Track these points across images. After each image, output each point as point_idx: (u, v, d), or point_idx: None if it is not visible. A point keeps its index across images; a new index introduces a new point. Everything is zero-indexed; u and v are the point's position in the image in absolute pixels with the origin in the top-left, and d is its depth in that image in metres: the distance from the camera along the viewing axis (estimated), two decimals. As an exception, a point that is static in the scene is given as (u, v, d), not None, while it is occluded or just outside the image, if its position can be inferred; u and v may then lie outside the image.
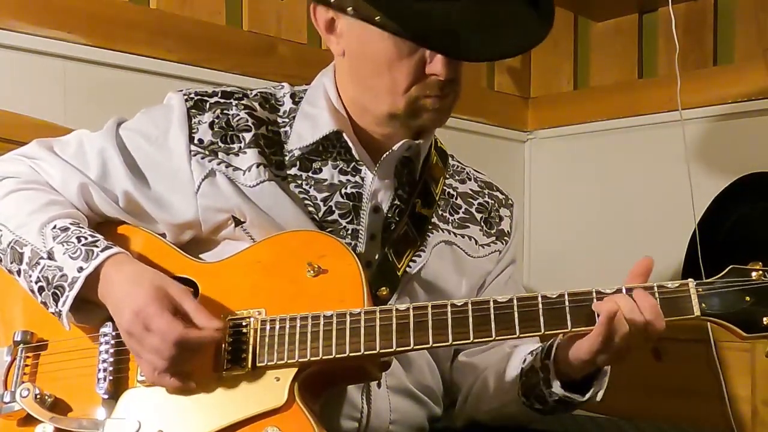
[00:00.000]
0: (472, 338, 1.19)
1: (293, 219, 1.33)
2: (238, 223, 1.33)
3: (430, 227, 1.43)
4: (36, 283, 1.25)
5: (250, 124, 1.35)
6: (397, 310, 1.21)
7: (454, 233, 1.46)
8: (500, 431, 1.41)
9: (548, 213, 2.85)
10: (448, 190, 1.49)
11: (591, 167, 2.76)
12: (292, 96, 1.42)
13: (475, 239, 1.48)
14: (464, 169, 1.56)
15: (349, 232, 1.36)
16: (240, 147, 1.34)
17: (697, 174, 2.27)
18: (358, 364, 1.24)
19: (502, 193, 1.57)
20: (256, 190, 1.33)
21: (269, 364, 1.21)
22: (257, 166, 1.33)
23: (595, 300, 1.19)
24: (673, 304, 1.18)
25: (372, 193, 1.37)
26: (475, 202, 1.51)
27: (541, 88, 2.90)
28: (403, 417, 1.41)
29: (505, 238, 1.53)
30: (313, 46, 2.32)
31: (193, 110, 1.35)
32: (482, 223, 1.50)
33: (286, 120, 1.39)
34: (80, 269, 1.22)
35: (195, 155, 1.33)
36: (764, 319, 1.16)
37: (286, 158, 1.37)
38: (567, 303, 1.19)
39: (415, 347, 1.21)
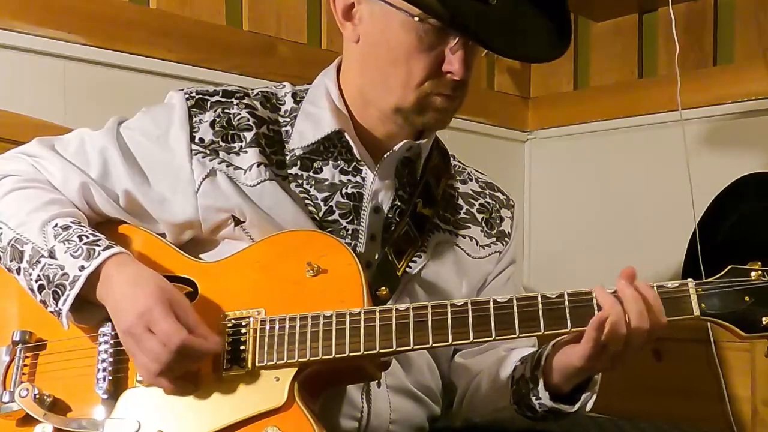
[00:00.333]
0: (471, 338, 1.19)
1: (293, 219, 1.33)
2: (238, 222, 1.33)
3: (430, 227, 1.43)
4: (36, 281, 1.25)
5: (251, 123, 1.35)
6: (396, 310, 1.21)
7: (455, 234, 1.46)
8: (500, 432, 1.42)
9: (548, 213, 2.85)
10: (449, 190, 1.49)
11: (591, 167, 2.76)
12: (294, 95, 1.42)
13: (475, 240, 1.48)
14: (465, 169, 1.56)
15: (350, 232, 1.36)
16: (241, 146, 1.34)
17: (697, 174, 2.27)
18: (358, 364, 1.24)
19: (503, 194, 1.57)
20: (256, 190, 1.33)
21: (269, 364, 1.21)
22: (258, 166, 1.33)
23: (595, 300, 1.19)
24: (673, 304, 1.18)
25: (372, 193, 1.37)
26: (476, 203, 1.51)
27: (541, 88, 2.90)
28: (403, 417, 1.41)
29: (506, 239, 1.52)
30: (313, 46, 2.32)
31: (194, 109, 1.35)
32: (483, 224, 1.50)
33: (287, 119, 1.39)
34: (81, 268, 1.22)
35: (196, 154, 1.33)
36: (764, 319, 1.16)
37: (287, 158, 1.37)
38: (567, 303, 1.19)
39: (415, 347, 1.21)
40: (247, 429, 1.19)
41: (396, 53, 1.29)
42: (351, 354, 1.20)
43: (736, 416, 2.03)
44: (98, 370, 1.25)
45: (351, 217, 1.36)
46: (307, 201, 1.35)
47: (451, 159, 1.54)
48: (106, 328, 1.27)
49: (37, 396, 1.25)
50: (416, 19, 1.25)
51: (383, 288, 1.33)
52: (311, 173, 1.37)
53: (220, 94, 1.38)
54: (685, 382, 2.11)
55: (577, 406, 1.29)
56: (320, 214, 1.35)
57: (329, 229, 1.34)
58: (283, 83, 1.46)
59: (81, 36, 1.93)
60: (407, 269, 1.38)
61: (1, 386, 1.28)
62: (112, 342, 1.26)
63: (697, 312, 1.17)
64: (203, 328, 1.19)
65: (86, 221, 1.32)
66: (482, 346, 1.46)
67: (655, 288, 1.18)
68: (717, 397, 2.05)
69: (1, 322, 1.34)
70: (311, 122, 1.37)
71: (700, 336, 2.03)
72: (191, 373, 1.21)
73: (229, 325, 1.24)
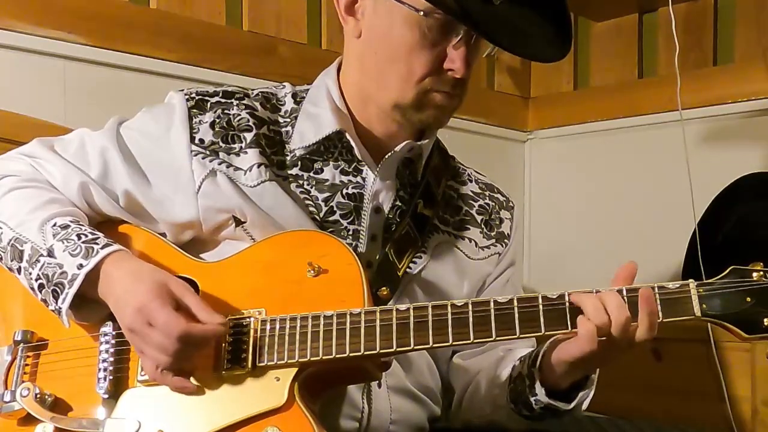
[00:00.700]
0: (472, 338, 1.19)
1: (294, 219, 1.33)
2: (238, 223, 1.33)
3: (431, 228, 1.43)
4: (36, 280, 1.25)
5: (251, 124, 1.35)
6: (397, 310, 1.21)
7: (455, 235, 1.46)
8: (499, 432, 1.42)
9: (548, 213, 2.85)
10: (449, 191, 1.49)
11: (591, 167, 2.76)
12: (294, 96, 1.42)
13: (475, 241, 1.48)
14: (465, 170, 1.56)
15: (350, 232, 1.36)
16: (241, 147, 1.34)
17: (697, 174, 2.27)
18: (358, 364, 1.24)
19: (503, 195, 1.57)
20: (257, 190, 1.33)
21: (269, 364, 1.21)
22: (258, 166, 1.33)
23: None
24: (674, 305, 1.18)
25: (373, 193, 1.37)
26: (476, 204, 1.51)
27: (541, 88, 2.90)
28: (403, 417, 1.41)
29: (505, 240, 1.52)
30: (313, 46, 2.32)
31: (195, 110, 1.35)
32: (482, 225, 1.50)
33: (288, 120, 1.39)
34: (80, 266, 1.22)
35: (196, 155, 1.33)
36: (765, 320, 1.16)
37: (288, 158, 1.37)
38: (567, 303, 1.19)
39: (415, 347, 1.20)
40: (247, 429, 1.19)
41: (398, 48, 1.29)
42: (351, 354, 1.20)
43: (736, 416, 2.03)
44: (99, 369, 1.25)
45: (352, 218, 1.36)
46: (307, 201, 1.35)
47: (452, 160, 1.54)
48: (107, 328, 1.27)
49: (38, 395, 1.25)
50: (421, 14, 1.25)
51: (384, 288, 1.33)
52: (312, 174, 1.37)
53: (220, 94, 1.38)
54: (685, 382, 2.11)
55: (573, 403, 1.28)
56: (321, 215, 1.35)
57: (330, 230, 1.34)
58: (283, 84, 1.46)
59: (81, 36, 1.93)
60: (408, 270, 1.38)
61: (3, 386, 1.29)
62: (113, 342, 1.26)
63: (698, 313, 1.17)
64: (206, 313, 1.19)
65: (86, 220, 1.33)
66: (481, 347, 1.46)
67: (656, 289, 1.18)
68: (717, 398, 2.05)
69: (3, 322, 1.34)
70: (312, 122, 1.37)
71: (700, 336, 2.03)
72: (192, 372, 1.21)
73: (230, 324, 1.24)
